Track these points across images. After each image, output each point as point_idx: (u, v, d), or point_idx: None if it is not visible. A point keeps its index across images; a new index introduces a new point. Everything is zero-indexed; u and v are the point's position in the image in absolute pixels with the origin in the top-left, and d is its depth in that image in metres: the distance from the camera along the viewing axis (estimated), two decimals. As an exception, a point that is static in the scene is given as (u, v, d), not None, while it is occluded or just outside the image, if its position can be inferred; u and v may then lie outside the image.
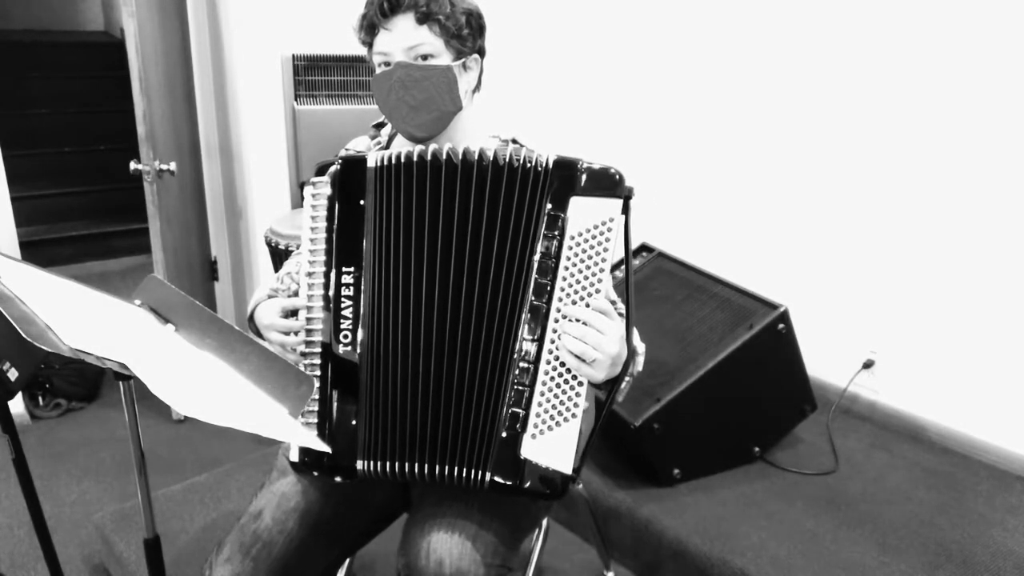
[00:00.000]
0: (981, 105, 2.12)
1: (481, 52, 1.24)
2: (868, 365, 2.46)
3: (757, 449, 2.09)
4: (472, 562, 1.06)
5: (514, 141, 1.28)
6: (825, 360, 2.51)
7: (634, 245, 2.48)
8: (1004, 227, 2.12)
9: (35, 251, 4.05)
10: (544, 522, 1.62)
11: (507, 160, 1.04)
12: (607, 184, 1.02)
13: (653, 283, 2.31)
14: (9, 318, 0.84)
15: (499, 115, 1.43)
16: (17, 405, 2.64)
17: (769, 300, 2.02)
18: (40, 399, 2.72)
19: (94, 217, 4.51)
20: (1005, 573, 1.70)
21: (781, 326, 1.98)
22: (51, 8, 5.64)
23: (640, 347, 1.16)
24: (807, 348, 2.07)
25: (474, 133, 1.26)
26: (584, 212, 1.03)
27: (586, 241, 1.02)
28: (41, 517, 1.25)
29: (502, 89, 2.88)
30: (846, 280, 2.50)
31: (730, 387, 1.95)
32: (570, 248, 1.02)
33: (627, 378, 1.11)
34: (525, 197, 1.04)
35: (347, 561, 1.59)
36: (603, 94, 3.10)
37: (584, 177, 1.03)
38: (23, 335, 0.80)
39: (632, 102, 3.03)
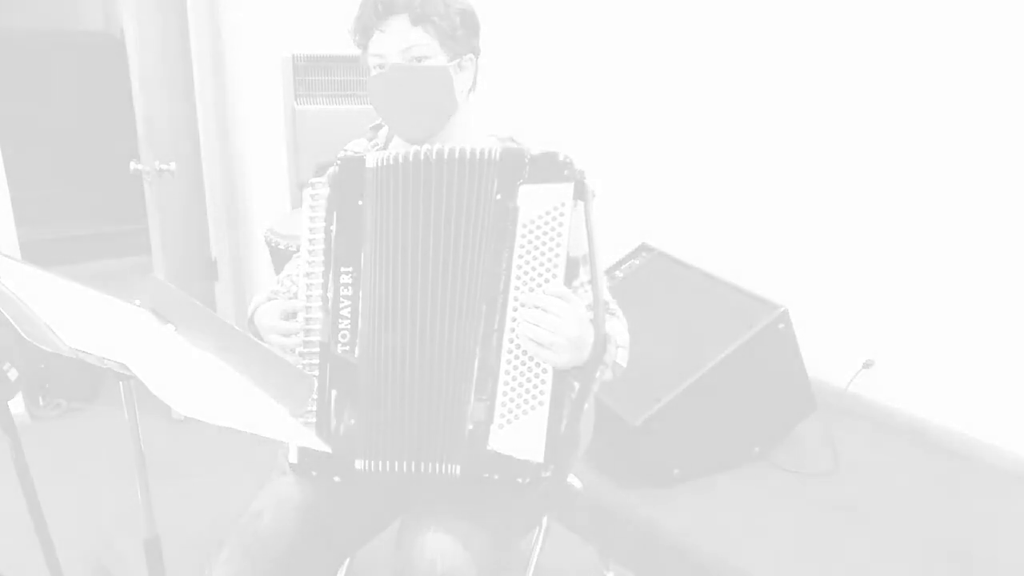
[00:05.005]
0: (980, 109, 2.12)
1: (476, 51, 1.24)
2: (868, 365, 2.46)
3: (757, 449, 2.09)
4: (464, 561, 1.06)
5: (511, 140, 1.27)
6: (825, 360, 2.51)
7: (634, 245, 2.48)
8: (1003, 229, 2.12)
9: (35, 251, 4.04)
10: (544, 522, 1.62)
11: (467, 156, 1.06)
12: (554, 169, 1.03)
13: (653, 283, 2.31)
14: (9, 318, 0.84)
15: (499, 114, 1.43)
16: (17, 405, 2.64)
17: (769, 300, 2.02)
18: (40, 399, 2.72)
19: (94, 217, 4.50)
20: (1005, 573, 1.70)
21: (781, 326, 1.98)
22: (51, 7, 5.63)
23: (621, 338, 1.16)
24: (807, 348, 2.07)
25: (472, 132, 1.26)
26: (534, 199, 1.03)
27: (539, 228, 1.03)
28: (41, 517, 1.25)
29: (502, 88, 2.87)
30: (846, 281, 2.50)
31: (730, 387, 1.95)
32: (523, 236, 1.03)
33: (602, 366, 1.10)
34: (479, 190, 1.06)
35: (347, 561, 1.59)
36: (604, 93, 3.10)
37: (531, 165, 1.04)
38: (23, 335, 0.80)
39: (633, 102, 3.03)
